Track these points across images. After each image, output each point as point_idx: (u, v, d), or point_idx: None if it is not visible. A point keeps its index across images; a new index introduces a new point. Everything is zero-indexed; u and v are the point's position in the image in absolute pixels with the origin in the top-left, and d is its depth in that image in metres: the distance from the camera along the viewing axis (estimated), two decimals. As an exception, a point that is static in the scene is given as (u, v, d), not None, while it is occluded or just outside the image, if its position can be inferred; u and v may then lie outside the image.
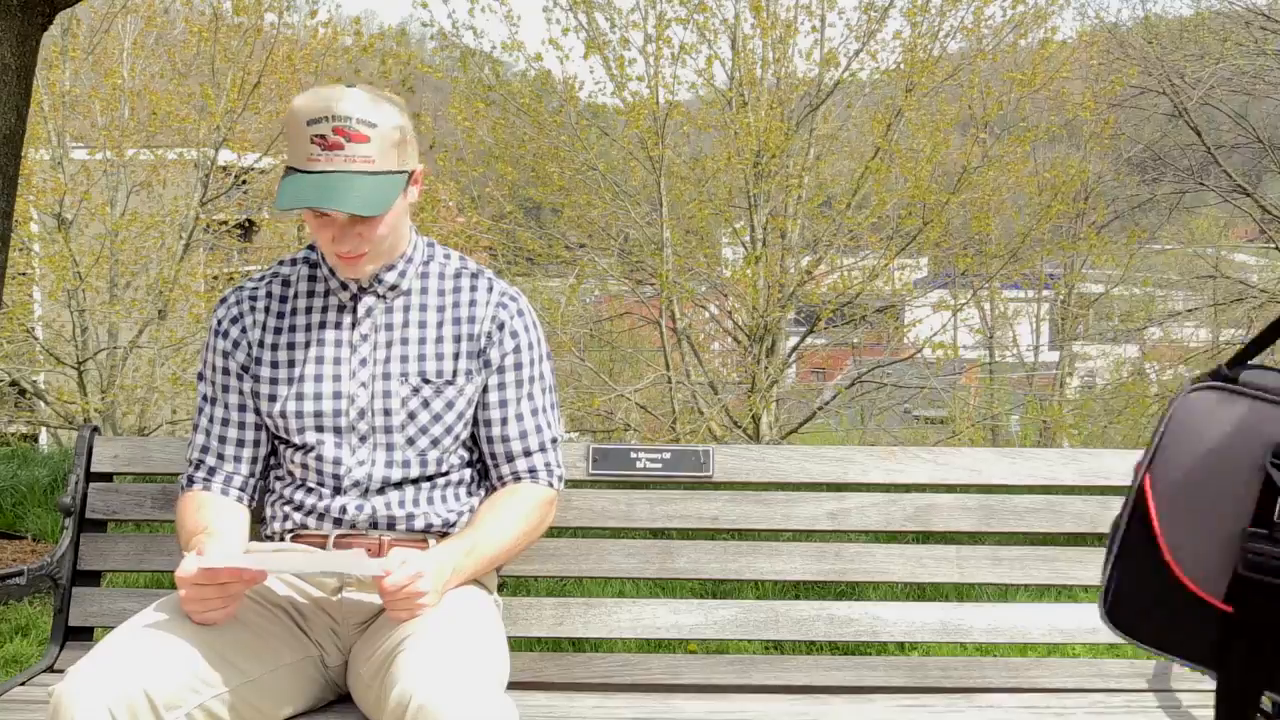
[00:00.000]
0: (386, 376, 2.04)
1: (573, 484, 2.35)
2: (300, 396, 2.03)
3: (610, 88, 10.82)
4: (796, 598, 3.97)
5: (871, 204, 11.02)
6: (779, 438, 11.29)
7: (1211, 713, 1.46)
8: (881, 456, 2.39)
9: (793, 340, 12.31)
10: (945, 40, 11.03)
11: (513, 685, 1.99)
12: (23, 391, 11.62)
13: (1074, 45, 12.37)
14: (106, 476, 2.42)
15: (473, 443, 2.13)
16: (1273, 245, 11.79)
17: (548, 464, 2.13)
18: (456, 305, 2.08)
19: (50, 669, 2.26)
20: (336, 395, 2.03)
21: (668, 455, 2.38)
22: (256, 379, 2.06)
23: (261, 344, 2.07)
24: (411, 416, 2.03)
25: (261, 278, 2.13)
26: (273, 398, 2.04)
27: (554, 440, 2.14)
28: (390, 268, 2.05)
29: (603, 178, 10.97)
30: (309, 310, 2.08)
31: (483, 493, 2.15)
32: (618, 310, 13.60)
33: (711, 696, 2.19)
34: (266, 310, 2.09)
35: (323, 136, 1.86)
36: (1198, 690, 2.21)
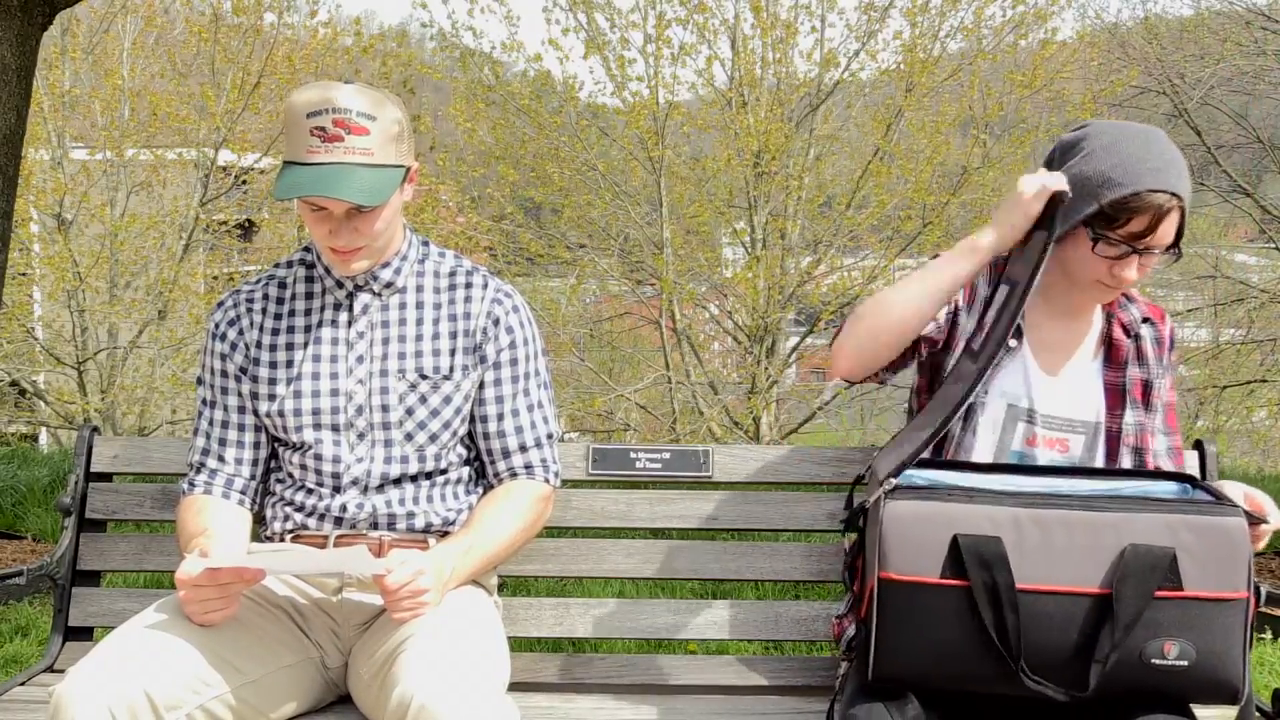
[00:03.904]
0: (384, 373, 2.04)
1: (573, 484, 2.35)
2: (298, 394, 2.03)
3: (610, 88, 10.81)
4: (796, 598, 3.97)
5: (871, 204, 11.00)
6: (779, 438, 11.29)
7: None
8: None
9: (793, 340, 12.30)
10: (945, 40, 11.02)
11: (513, 686, 2.00)
12: (23, 391, 11.62)
13: (1074, 46, 12.34)
14: (106, 476, 2.42)
15: (470, 440, 2.13)
16: (1273, 245, 11.78)
17: (544, 460, 2.13)
18: (452, 302, 2.08)
19: (50, 669, 2.26)
20: (334, 393, 2.03)
21: (667, 455, 2.38)
22: (255, 379, 2.06)
23: (259, 345, 2.07)
24: (409, 412, 2.04)
25: (258, 280, 2.13)
26: (271, 396, 2.04)
27: (550, 436, 2.14)
28: (385, 265, 2.06)
29: (603, 178, 10.95)
30: (306, 310, 2.08)
31: (480, 490, 2.15)
32: (618, 310, 13.59)
33: (711, 696, 2.19)
34: (263, 312, 2.09)
35: (322, 129, 1.87)
36: None
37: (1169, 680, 1.67)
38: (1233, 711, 1.75)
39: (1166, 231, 1.87)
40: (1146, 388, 2.03)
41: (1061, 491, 1.78)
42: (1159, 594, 1.65)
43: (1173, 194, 1.85)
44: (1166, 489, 1.83)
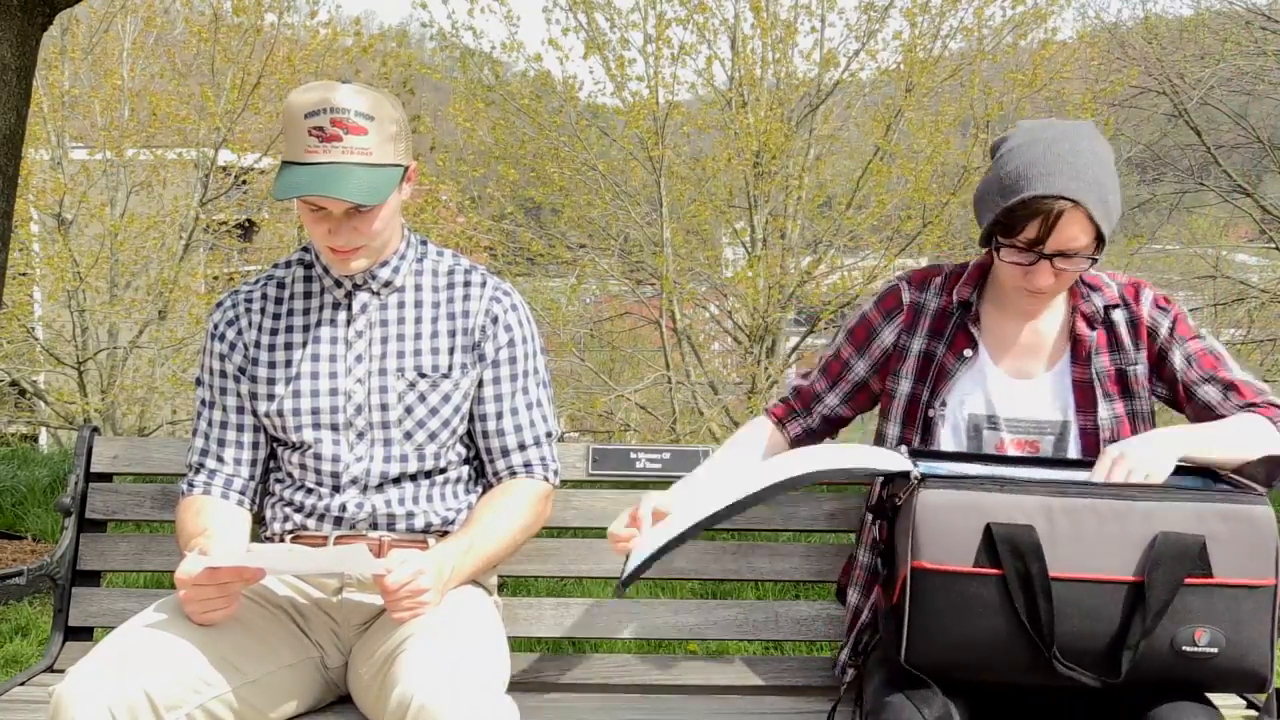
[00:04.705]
0: (383, 372, 2.04)
1: (573, 484, 2.35)
2: (297, 394, 2.03)
3: (610, 88, 10.84)
4: (796, 598, 3.97)
5: (871, 204, 11.01)
6: (779, 438, 11.26)
7: None
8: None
9: (793, 340, 12.30)
10: (945, 40, 11.04)
11: (513, 685, 1.99)
12: (23, 391, 11.62)
13: (1074, 45, 12.35)
14: (106, 476, 2.42)
15: (469, 439, 2.13)
16: (1273, 245, 11.81)
17: (543, 458, 2.13)
18: (451, 300, 2.08)
19: (50, 669, 2.26)
20: (333, 392, 2.03)
21: (668, 455, 2.38)
22: (254, 379, 2.06)
23: (258, 345, 2.07)
24: (408, 411, 2.04)
25: (257, 281, 2.13)
26: (270, 396, 2.04)
27: (549, 434, 2.14)
28: (384, 264, 2.06)
29: (603, 178, 10.97)
30: (305, 310, 2.08)
31: (480, 490, 2.15)
32: (618, 310, 13.59)
33: (711, 696, 2.19)
34: (262, 312, 2.09)
35: (321, 129, 1.87)
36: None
37: (1198, 668, 1.67)
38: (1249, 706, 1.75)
39: (1068, 235, 1.83)
40: (1122, 376, 1.98)
41: (1088, 480, 1.77)
42: (1189, 581, 1.66)
43: (1061, 197, 1.80)
44: (1190, 483, 1.81)
